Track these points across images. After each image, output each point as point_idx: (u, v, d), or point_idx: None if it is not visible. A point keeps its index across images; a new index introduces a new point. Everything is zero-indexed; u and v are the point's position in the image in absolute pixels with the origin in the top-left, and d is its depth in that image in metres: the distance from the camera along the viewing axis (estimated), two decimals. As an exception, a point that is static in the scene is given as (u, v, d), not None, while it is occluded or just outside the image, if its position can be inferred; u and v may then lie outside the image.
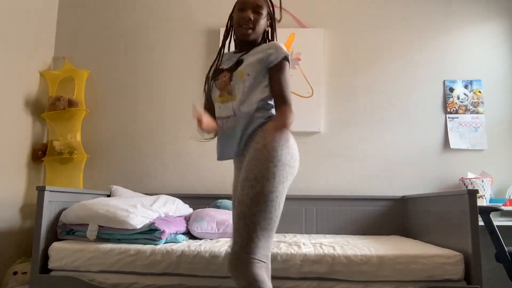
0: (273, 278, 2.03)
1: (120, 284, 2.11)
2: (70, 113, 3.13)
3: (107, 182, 3.11)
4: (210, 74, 1.75)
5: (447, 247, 2.20)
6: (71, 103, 3.11)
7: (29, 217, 2.97)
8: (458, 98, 3.16)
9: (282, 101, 1.59)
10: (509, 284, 2.71)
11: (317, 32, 3.24)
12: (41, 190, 2.23)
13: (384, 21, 3.28)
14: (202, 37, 3.33)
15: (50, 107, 3.11)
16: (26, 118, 3.05)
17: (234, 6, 1.71)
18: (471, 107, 3.14)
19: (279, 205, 1.43)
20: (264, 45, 1.69)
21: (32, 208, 2.92)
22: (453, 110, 3.15)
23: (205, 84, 1.77)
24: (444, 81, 3.19)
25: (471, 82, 3.17)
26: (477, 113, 3.13)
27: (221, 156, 1.70)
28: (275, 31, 1.77)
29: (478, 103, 3.14)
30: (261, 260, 1.38)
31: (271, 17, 1.74)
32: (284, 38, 3.23)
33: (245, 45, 1.70)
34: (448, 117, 3.14)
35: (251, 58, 1.64)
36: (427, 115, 3.15)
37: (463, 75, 3.19)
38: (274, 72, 1.62)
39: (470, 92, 3.16)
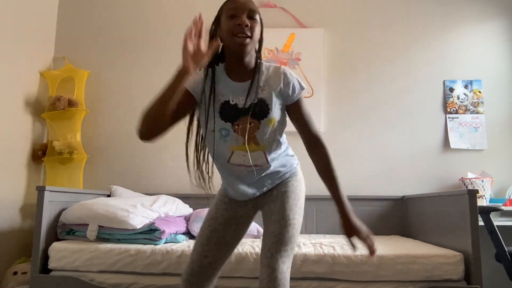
0: (273, 278, 2.04)
1: (120, 284, 2.11)
2: (70, 113, 3.13)
3: (107, 182, 3.11)
4: (216, 111, 1.41)
5: (447, 247, 2.20)
6: (71, 103, 3.10)
7: (29, 217, 2.97)
8: (458, 98, 3.16)
9: (317, 139, 1.45)
10: (509, 284, 2.71)
11: (317, 32, 3.24)
12: (41, 190, 2.23)
13: (384, 21, 3.28)
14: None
15: (50, 107, 3.11)
16: (26, 118, 3.05)
17: (218, 17, 1.44)
18: (471, 107, 3.14)
19: None
20: (271, 73, 1.43)
21: (32, 208, 2.91)
22: (453, 110, 3.15)
23: (205, 122, 1.44)
24: (444, 81, 3.19)
25: (471, 82, 3.17)
26: (477, 113, 3.13)
27: (240, 197, 1.54)
28: (262, 43, 1.49)
29: (478, 103, 3.14)
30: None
31: (261, 25, 1.45)
32: (284, 38, 3.23)
33: (238, 63, 1.42)
34: (448, 117, 3.14)
35: (271, 96, 1.40)
36: (427, 115, 3.15)
37: (463, 75, 3.19)
38: (299, 108, 1.44)
39: (470, 92, 3.16)
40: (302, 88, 1.45)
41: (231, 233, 1.52)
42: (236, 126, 1.40)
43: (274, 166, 1.48)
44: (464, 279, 2.02)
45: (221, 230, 1.51)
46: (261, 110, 1.39)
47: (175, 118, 1.39)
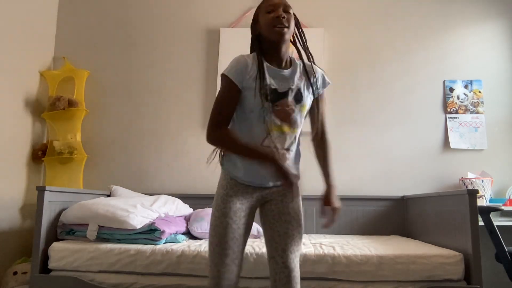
0: (273, 278, 2.04)
1: (120, 284, 2.11)
2: (70, 113, 3.13)
3: (107, 182, 3.11)
4: (266, 92, 1.50)
5: (447, 247, 2.20)
6: (71, 103, 3.11)
7: (29, 217, 2.97)
8: (458, 98, 3.16)
9: (326, 134, 1.66)
10: (509, 284, 2.71)
11: (317, 32, 3.24)
12: (41, 190, 2.23)
13: (384, 21, 3.28)
14: (202, 37, 3.33)
15: (50, 107, 3.11)
16: (26, 118, 3.05)
17: (257, 14, 1.60)
18: (471, 107, 3.14)
19: None
20: (306, 66, 1.60)
21: (32, 208, 2.92)
22: (453, 110, 3.15)
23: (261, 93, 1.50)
24: (444, 81, 3.19)
25: (471, 82, 3.17)
26: (477, 113, 3.13)
27: (254, 182, 1.55)
28: (305, 39, 1.66)
29: (478, 103, 3.14)
30: None
31: (298, 23, 1.65)
32: (284, 38, 3.23)
33: (276, 52, 1.56)
34: (448, 117, 3.14)
35: (303, 85, 1.57)
36: (427, 115, 3.15)
37: (463, 75, 3.19)
38: (321, 103, 1.64)
39: (470, 92, 3.16)
40: (328, 83, 1.66)
41: (243, 225, 1.54)
42: (275, 107, 1.51)
43: (293, 156, 1.59)
44: (464, 279, 2.02)
45: (233, 224, 1.51)
46: (296, 95, 1.54)
47: (232, 114, 1.53)
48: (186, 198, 2.90)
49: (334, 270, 2.02)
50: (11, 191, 2.85)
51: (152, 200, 2.56)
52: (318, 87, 1.61)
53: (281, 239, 1.52)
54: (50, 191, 2.28)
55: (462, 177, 2.96)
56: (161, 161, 3.20)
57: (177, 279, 2.10)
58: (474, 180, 2.85)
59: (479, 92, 3.15)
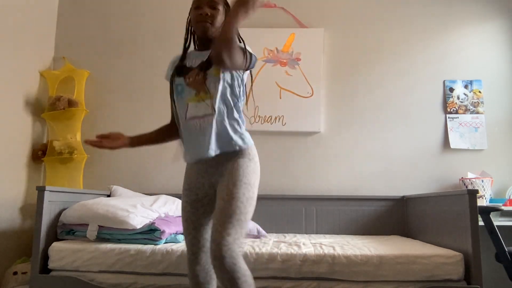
0: (273, 278, 2.04)
1: (120, 284, 2.11)
2: (70, 113, 3.13)
3: (107, 182, 3.11)
4: (172, 72, 1.71)
5: (447, 247, 2.20)
6: (71, 103, 3.10)
7: (29, 217, 2.97)
8: (458, 98, 3.16)
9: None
10: (509, 284, 2.71)
11: (317, 32, 3.24)
12: (41, 190, 2.23)
13: (384, 21, 3.28)
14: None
15: (50, 107, 3.11)
16: (26, 118, 3.05)
17: (190, 10, 1.68)
18: (471, 107, 3.14)
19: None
20: None
21: (32, 208, 2.92)
22: (453, 110, 3.15)
23: (171, 86, 1.70)
24: (444, 81, 3.19)
25: (471, 82, 3.17)
26: (477, 113, 3.13)
27: (193, 158, 1.61)
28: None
29: (478, 103, 3.14)
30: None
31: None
32: (284, 38, 3.23)
33: (207, 43, 1.66)
34: (448, 117, 3.14)
35: None
36: (427, 115, 3.15)
37: (463, 75, 3.19)
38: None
39: (470, 92, 3.16)
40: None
41: (202, 214, 1.62)
42: (187, 79, 1.61)
43: (221, 123, 1.55)
44: (464, 279, 2.02)
45: (192, 216, 1.62)
46: (207, 64, 1.58)
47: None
48: (186, 198, 2.90)
49: (334, 270, 2.02)
50: (11, 191, 2.85)
51: (152, 200, 2.56)
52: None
53: (214, 216, 1.46)
54: (50, 191, 2.28)
55: (462, 177, 2.96)
56: (161, 161, 3.20)
57: (177, 279, 2.09)
58: (474, 180, 2.85)
59: (479, 92, 3.15)
